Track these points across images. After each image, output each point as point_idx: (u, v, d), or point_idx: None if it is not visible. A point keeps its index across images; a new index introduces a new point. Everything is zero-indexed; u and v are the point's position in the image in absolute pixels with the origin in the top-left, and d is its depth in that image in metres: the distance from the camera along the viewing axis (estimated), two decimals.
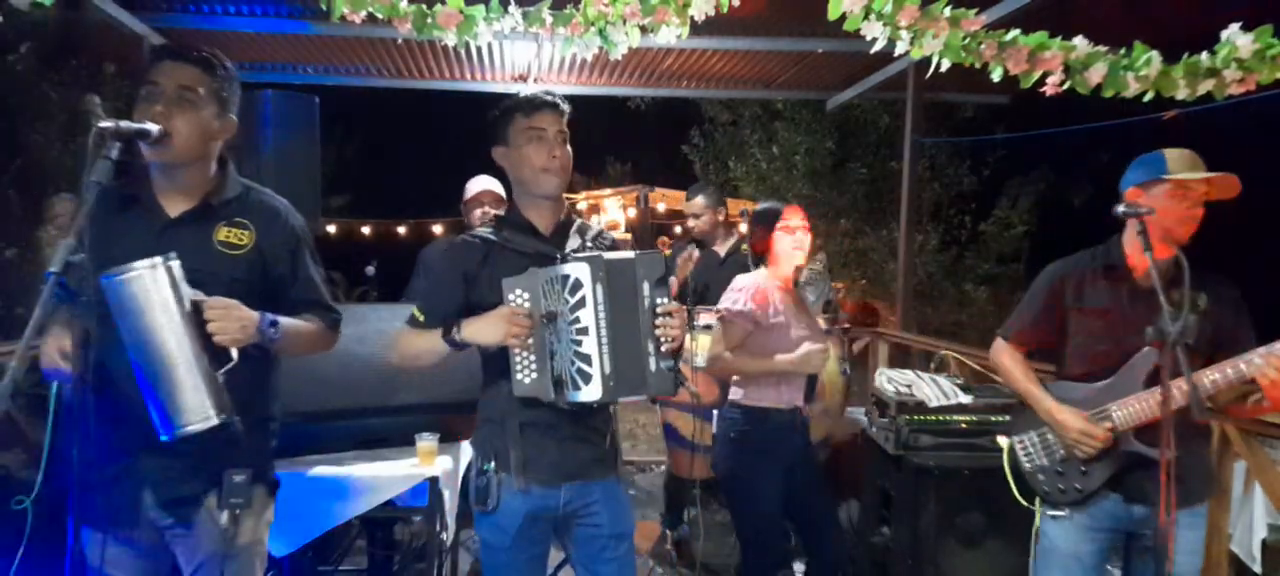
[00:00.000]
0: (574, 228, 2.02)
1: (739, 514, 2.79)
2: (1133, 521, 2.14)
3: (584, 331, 1.78)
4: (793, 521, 2.81)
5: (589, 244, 1.99)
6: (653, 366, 1.80)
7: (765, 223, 2.73)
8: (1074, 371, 2.22)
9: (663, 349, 1.79)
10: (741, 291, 2.69)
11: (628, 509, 2.05)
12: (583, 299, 1.78)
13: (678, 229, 13.29)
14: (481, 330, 1.85)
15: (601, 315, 1.78)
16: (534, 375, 1.86)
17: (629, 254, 1.85)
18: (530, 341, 1.85)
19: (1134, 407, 2.07)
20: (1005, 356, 2.33)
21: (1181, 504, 2.02)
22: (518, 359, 1.86)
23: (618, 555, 1.99)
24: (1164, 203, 2.03)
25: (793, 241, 2.69)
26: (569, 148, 1.95)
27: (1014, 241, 10.24)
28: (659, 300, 1.80)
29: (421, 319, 1.94)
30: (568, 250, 1.92)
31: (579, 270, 1.78)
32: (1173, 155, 2.07)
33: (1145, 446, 2.05)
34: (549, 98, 1.95)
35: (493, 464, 1.93)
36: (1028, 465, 2.24)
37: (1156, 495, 1.98)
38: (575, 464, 1.94)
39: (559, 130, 1.93)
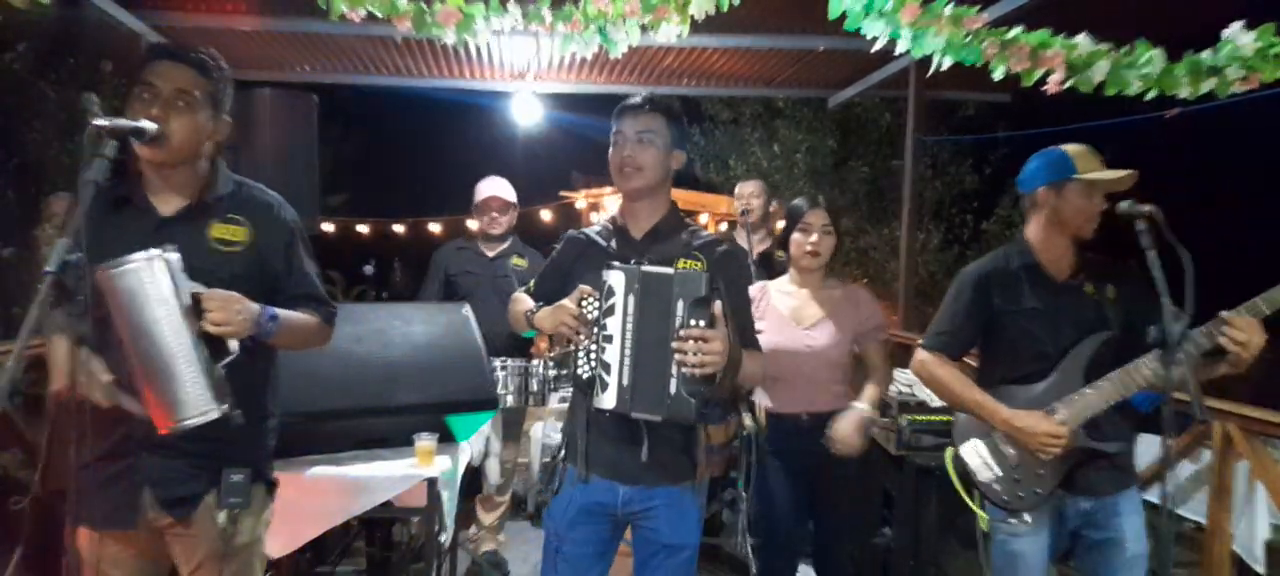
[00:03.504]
0: (683, 233, 2.01)
1: (755, 512, 2.81)
2: (1078, 516, 2.14)
3: (609, 339, 1.80)
4: (810, 529, 2.78)
5: (690, 251, 1.97)
6: (673, 389, 1.77)
7: (789, 221, 2.69)
8: (1006, 376, 2.18)
9: (686, 372, 1.75)
10: None
11: (693, 521, 2.00)
12: (613, 306, 1.80)
13: None
14: (543, 318, 1.95)
15: (628, 326, 1.79)
16: (588, 372, 1.88)
17: (669, 270, 1.83)
18: (589, 340, 1.86)
19: (1079, 404, 2.07)
20: (939, 368, 2.22)
21: (1121, 487, 2.12)
22: (579, 354, 1.90)
23: (669, 565, 1.96)
24: (1074, 201, 2.09)
25: (807, 243, 2.62)
26: (655, 151, 1.94)
27: None
28: (693, 322, 1.75)
29: (532, 288, 2.12)
30: (655, 255, 1.92)
31: (615, 278, 1.80)
32: (1076, 152, 2.11)
33: (1094, 441, 2.06)
34: (633, 100, 1.97)
35: (563, 451, 2.01)
36: (983, 476, 2.17)
37: (1102, 486, 2.10)
38: (636, 467, 1.92)
39: (639, 130, 1.93)
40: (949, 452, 2.25)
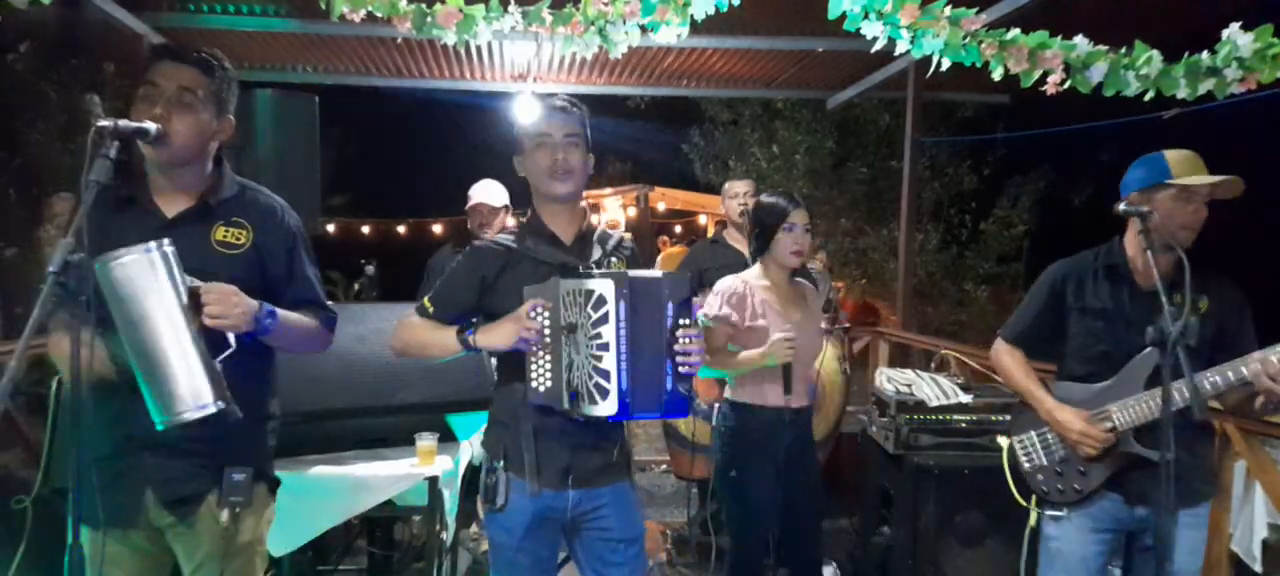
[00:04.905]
0: (595, 237, 2.03)
1: (727, 509, 2.78)
2: (1134, 521, 2.15)
3: (605, 347, 1.78)
4: (779, 522, 2.76)
5: (610, 253, 2.00)
6: (669, 387, 1.81)
7: (770, 219, 2.67)
8: (1074, 372, 2.23)
9: (680, 371, 1.80)
10: (718, 295, 2.67)
11: (638, 513, 2.05)
12: (606, 315, 1.78)
13: (678, 228, 13.29)
14: (494, 335, 1.86)
15: (623, 332, 1.78)
16: (549, 383, 1.86)
17: (656, 273, 1.86)
18: (546, 351, 1.85)
19: (1134, 409, 2.07)
20: (1006, 356, 2.34)
21: (1182, 503, 2.03)
22: (534, 366, 1.86)
23: (627, 559, 1.99)
24: (1168, 206, 2.02)
25: (793, 244, 2.63)
26: (580, 153, 1.95)
27: (1014, 241, 10.25)
28: (682, 321, 1.80)
29: (430, 309, 1.95)
30: (589, 260, 1.93)
31: (604, 286, 1.78)
32: (1175, 157, 2.05)
33: (1144, 448, 2.06)
34: (558, 103, 1.95)
35: (501, 463, 1.95)
36: (1027, 465, 2.25)
37: (1156, 496, 1.99)
38: (586, 470, 1.94)
39: (567, 134, 1.92)
40: (1004, 441, 2.32)
